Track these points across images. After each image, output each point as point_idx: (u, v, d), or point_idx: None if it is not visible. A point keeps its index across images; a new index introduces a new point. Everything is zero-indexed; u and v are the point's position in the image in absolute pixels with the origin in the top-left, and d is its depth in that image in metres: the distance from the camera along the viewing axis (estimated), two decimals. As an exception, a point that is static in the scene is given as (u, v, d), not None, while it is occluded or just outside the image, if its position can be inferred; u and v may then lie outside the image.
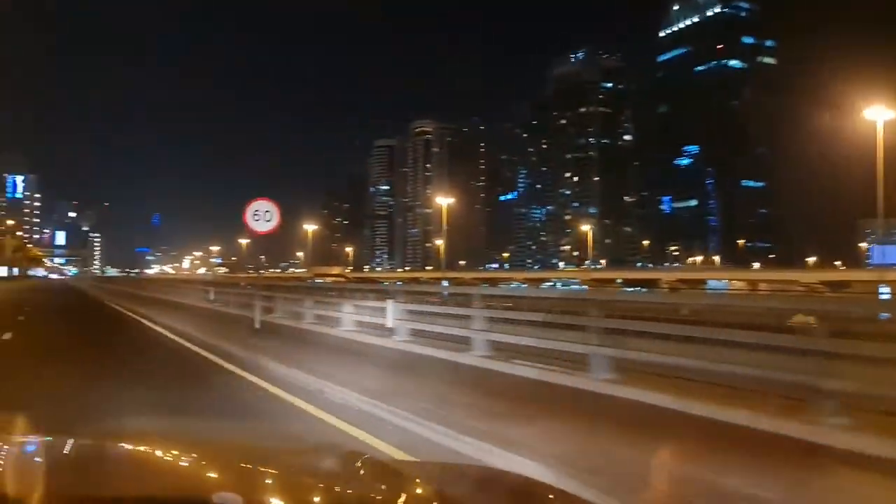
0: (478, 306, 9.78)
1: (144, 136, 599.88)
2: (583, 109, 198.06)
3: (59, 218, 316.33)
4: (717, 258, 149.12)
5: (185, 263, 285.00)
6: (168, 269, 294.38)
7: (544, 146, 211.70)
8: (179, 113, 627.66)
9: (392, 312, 11.14)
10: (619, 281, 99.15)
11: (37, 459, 2.29)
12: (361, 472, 2.34)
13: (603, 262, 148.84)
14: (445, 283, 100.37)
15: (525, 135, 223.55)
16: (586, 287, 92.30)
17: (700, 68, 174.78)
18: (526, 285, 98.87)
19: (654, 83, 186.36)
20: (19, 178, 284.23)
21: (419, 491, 2.12)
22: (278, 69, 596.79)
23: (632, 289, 67.71)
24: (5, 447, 2.30)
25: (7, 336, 14.63)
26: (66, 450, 2.39)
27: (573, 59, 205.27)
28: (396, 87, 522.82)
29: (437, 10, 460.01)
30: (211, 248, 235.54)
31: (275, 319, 15.42)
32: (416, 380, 8.88)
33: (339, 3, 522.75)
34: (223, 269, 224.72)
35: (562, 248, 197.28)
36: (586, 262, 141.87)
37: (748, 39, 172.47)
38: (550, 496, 2.29)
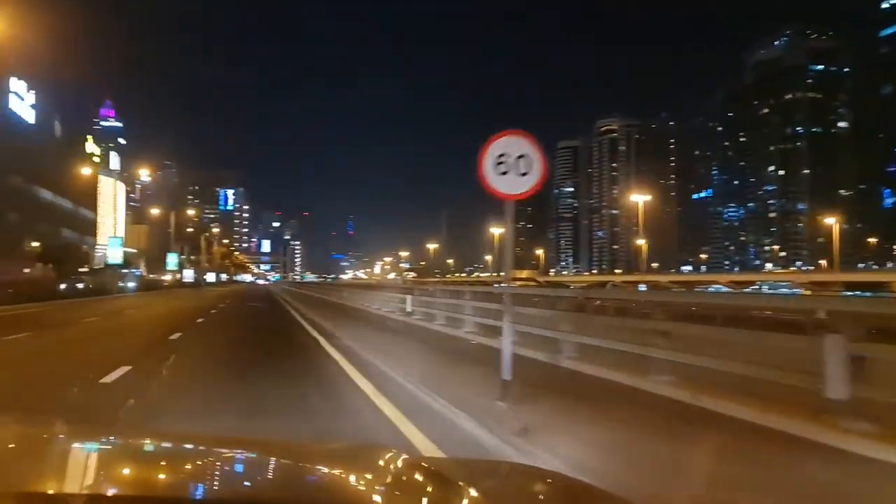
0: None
1: (341, 147, 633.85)
2: (788, 96, 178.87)
3: (265, 227, 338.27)
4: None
5: (377, 269, 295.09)
6: (361, 273, 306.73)
7: (742, 139, 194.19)
8: (371, 126, 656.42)
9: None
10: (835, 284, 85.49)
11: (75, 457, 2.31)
12: (401, 472, 2.25)
13: (823, 262, 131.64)
14: (643, 287, 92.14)
15: (720, 128, 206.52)
16: (799, 291, 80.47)
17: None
18: (727, 288, 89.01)
19: (875, 62, 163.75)
20: (230, 192, 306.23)
21: (464, 494, 2.01)
22: (462, 76, 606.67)
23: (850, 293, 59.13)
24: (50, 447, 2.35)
25: (176, 336, 15.84)
26: (92, 449, 2.40)
27: (776, 44, 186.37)
28: (579, 87, 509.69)
29: (620, 3, 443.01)
30: (400, 253, 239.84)
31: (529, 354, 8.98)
32: None
33: (520, 4, 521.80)
34: (412, 274, 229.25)
35: (765, 247, 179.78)
36: (797, 262, 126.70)
37: None
38: (592, 496, 2.28)
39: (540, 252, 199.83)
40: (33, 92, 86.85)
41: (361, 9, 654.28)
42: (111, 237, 45.97)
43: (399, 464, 2.29)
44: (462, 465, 2.93)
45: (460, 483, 2.06)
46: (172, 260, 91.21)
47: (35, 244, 79.17)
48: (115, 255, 45.51)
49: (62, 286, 48.77)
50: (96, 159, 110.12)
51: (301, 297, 43.86)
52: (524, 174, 7.01)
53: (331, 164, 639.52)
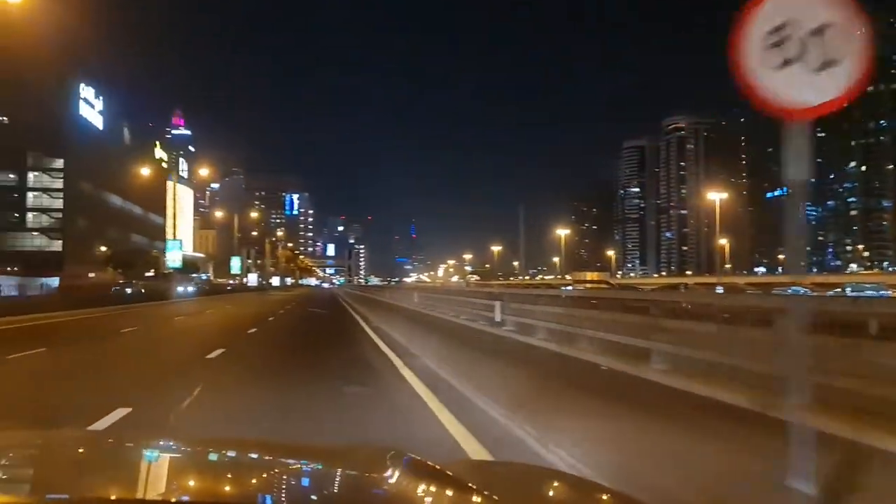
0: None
1: (404, 151, 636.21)
2: (870, 88, 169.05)
3: (329, 232, 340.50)
4: None
5: (440, 272, 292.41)
6: (424, 277, 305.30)
7: (820, 134, 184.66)
8: (433, 127, 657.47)
9: None
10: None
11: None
12: (411, 474, 2.18)
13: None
14: (720, 290, 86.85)
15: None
16: (888, 293, 74.22)
17: None
18: (807, 291, 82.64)
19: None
20: (295, 196, 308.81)
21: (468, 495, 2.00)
22: (525, 77, 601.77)
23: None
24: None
25: (215, 353, 12.88)
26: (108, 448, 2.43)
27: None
28: (645, 84, 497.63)
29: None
30: (464, 255, 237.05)
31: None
32: None
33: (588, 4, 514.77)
34: (475, 277, 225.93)
35: (846, 247, 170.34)
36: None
37: None
38: (605, 496, 2.27)
39: (611, 253, 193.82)
40: (101, 98, 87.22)
41: (430, 13, 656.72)
42: (169, 240, 44.07)
43: (408, 465, 2.22)
44: (475, 466, 2.81)
45: (471, 485, 2.01)
46: (236, 264, 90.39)
47: (103, 249, 79.38)
48: (174, 258, 43.61)
49: (114, 289, 47.05)
50: (165, 165, 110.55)
51: (367, 301, 40.86)
52: (829, 63, 3.37)
53: (393, 169, 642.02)
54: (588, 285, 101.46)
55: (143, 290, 48.16)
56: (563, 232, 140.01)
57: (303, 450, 2.80)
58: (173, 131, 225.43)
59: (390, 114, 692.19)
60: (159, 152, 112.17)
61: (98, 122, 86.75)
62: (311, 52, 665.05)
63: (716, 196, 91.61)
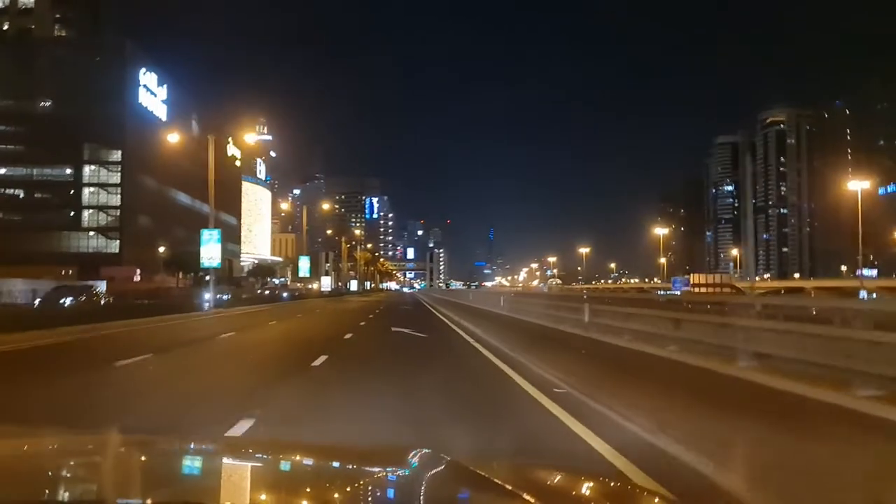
0: None
1: (481, 154, 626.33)
2: None
3: (409, 236, 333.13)
4: None
5: (521, 276, 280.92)
6: (504, 281, 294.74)
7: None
8: (510, 128, 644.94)
9: None
10: None
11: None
12: (446, 475, 2.18)
13: None
14: (863, 296, 72.95)
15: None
16: None
17: None
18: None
19: None
20: (375, 200, 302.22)
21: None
22: (604, 76, 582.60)
23: None
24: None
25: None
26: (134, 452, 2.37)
27: None
28: (735, 80, 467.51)
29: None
30: (548, 258, 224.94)
31: None
32: None
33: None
34: (557, 281, 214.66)
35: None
36: None
37: None
38: (645, 495, 2.29)
39: (735, 252, 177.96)
40: (165, 86, 78.74)
41: (511, 14, 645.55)
42: (205, 231, 32.11)
43: (443, 467, 2.22)
44: (514, 469, 2.78)
45: (508, 486, 2.01)
46: (304, 265, 79.25)
47: (162, 250, 70.31)
48: (211, 255, 30.49)
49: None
50: (238, 163, 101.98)
51: (462, 310, 31.37)
52: None
53: (472, 171, 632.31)
54: (704, 289, 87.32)
55: (147, 302, 33.77)
56: (661, 231, 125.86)
57: (364, 453, 2.80)
58: (255, 136, 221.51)
59: (470, 114, 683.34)
60: (232, 149, 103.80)
61: (161, 111, 77.83)
62: (391, 56, 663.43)
63: (857, 185, 76.11)
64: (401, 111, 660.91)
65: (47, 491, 1.78)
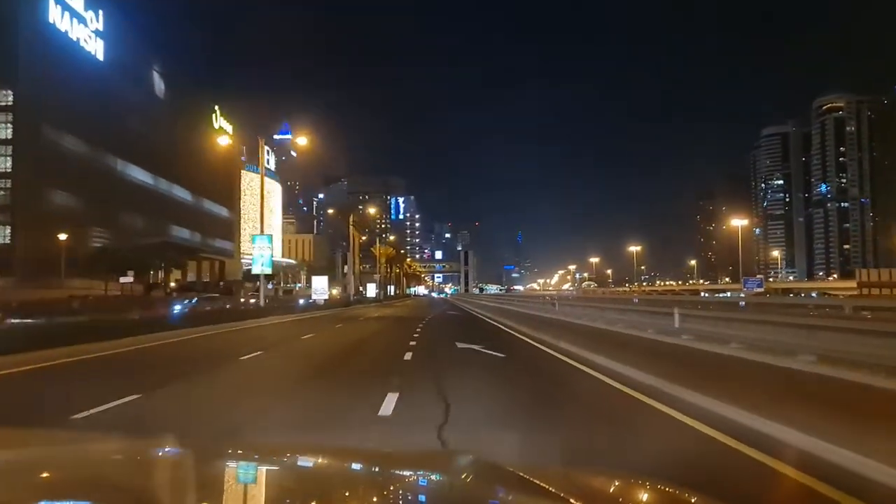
0: None
1: (508, 154, 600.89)
2: None
3: (437, 238, 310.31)
4: None
5: (554, 279, 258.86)
6: (534, 285, 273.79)
7: None
8: (540, 132, 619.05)
9: None
10: None
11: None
12: (496, 480, 2.11)
13: None
14: None
15: None
16: None
17: None
18: None
19: None
20: (400, 199, 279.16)
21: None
22: (646, 69, 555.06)
23: None
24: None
25: None
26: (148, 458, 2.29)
27: None
28: (781, 69, 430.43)
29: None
30: (590, 259, 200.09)
31: None
32: None
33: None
34: (593, 284, 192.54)
35: None
36: None
37: None
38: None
39: (776, 253, 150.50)
40: (101, 13, 54.60)
41: (534, 16, 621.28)
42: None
43: (491, 472, 2.18)
44: (562, 475, 2.65)
45: (561, 494, 1.96)
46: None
47: (97, 244, 45.76)
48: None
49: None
50: (229, 139, 77.60)
51: (519, 318, 25.47)
52: None
53: (499, 175, 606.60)
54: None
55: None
56: (739, 222, 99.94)
57: (390, 458, 2.74)
58: (277, 136, 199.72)
59: (493, 113, 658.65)
60: (221, 121, 79.57)
61: (93, 46, 53.30)
62: (413, 57, 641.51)
63: None
64: (426, 111, 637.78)
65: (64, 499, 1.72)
